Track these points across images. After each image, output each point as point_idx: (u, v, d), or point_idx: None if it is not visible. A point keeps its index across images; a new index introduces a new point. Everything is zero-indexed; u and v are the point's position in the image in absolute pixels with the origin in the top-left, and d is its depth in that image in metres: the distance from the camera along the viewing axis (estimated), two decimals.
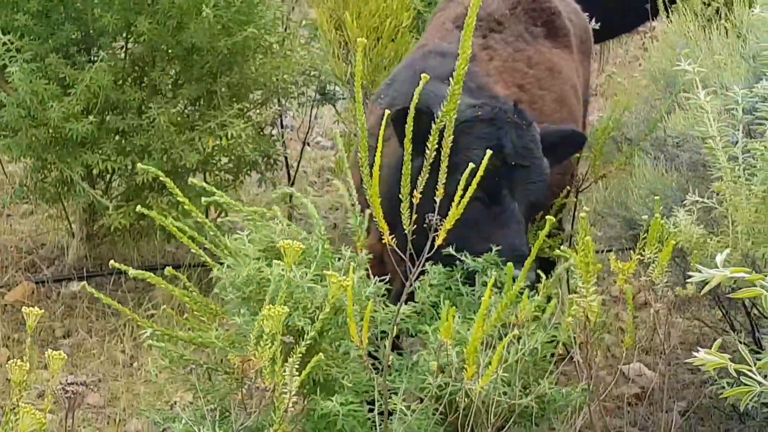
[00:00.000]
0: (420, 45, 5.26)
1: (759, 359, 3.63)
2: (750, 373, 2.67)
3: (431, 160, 3.62)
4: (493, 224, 4.25)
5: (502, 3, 5.30)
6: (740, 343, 3.17)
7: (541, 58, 5.22)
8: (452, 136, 3.69)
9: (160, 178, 4.22)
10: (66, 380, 3.32)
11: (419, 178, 3.61)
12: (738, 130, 3.84)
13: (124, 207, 6.22)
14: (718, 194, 3.93)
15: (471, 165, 3.68)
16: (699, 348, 2.99)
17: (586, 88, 5.81)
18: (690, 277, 3.87)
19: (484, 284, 4.08)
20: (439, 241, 3.63)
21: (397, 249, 3.66)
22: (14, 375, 3.03)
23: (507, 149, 4.31)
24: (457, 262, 4.16)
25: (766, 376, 2.66)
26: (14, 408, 3.05)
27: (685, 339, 5.95)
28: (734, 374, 2.70)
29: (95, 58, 6.17)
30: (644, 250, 3.95)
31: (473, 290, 4.10)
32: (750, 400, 2.83)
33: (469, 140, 4.29)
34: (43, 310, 3.22)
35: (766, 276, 2.53)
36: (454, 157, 3.89)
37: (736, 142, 3.87)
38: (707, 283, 2.71)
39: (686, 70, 3.90)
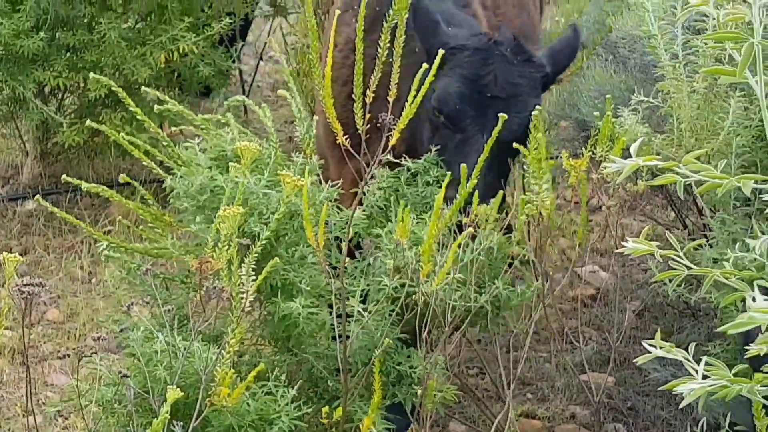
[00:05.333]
0: None
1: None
2: (678, 259, 2.73)
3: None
4: (456, 152, 4.23)
5: None
6: (666, 229, 3.23)
7: None
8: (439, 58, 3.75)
9: (114, 91, 4.20)
10: (21, 282, 3.32)
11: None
12: (677, 28, 3.87)
13: (77, 124, 6.19)
14: (662, 93, 3.96)
15: (424, 65, 3.70)
16: None
17: None
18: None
19: (427, 183, 4.11)
20: (393, 141, 3.65)
21: (351, 149, 3.68)
22: None
23: (484, 80, 4.23)
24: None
25: (699, 264, 2.73)
26: None
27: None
28: (660, 260, 2.77)
29: None
30: (595, 148, 3.99)
31: (417, 190, 4.12)
32: (678, 285, 2.91)
33: (450, 66, 4.26)
34: None
35: (679, 163, 2.58)
36: (438, 80, 3.91)
37: None
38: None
39: None
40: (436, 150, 4.16)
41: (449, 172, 3.89)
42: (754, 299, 2.36)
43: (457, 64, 4.24)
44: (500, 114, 3.86)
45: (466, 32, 4.35)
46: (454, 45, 4.26)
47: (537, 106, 4.11)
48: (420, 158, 4.18)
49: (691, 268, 2.72)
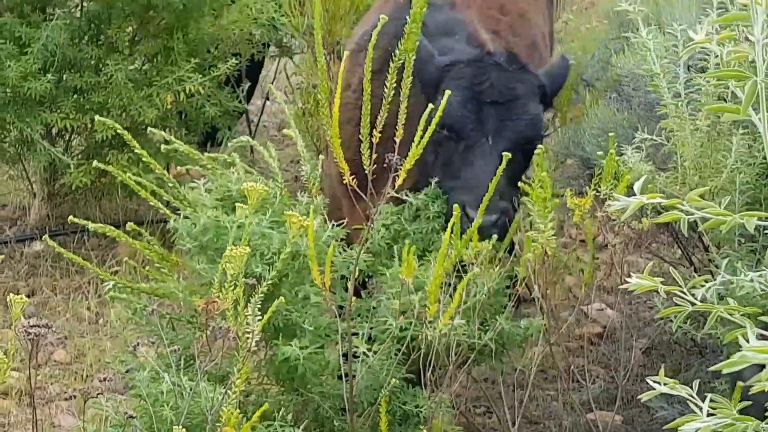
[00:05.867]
0: None
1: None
2: (682, 295, 2.74)
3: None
4: (461, 161, 4.26)
5: None
6: (671, 266, 3.23)
7: (512, 5, 5.24)
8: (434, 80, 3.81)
9: (120, 134, 4.23)
10: (28, 323, 3.33)
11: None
12: (679, 66, 3.88)
13: (84, 165, 6.22)
14: (666, 131, 3.98)
15: (430, 106, 3.72)
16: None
17: (551, 34, 5.84)
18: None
19: (428, 218, 4.12)
20: (399, 182, 3.66)
21: (357, 189, 3.70)
22: None
23: (481, 87, 4.29)
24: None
25: (704, 301, 2.72)
26: None
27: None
28: (665, 296, 2.77)
29: (51, 17, 6.15)
30: (600, 187, 3.99)
31: (419, 227, 4.13)
32: (684, 322, 2.92)
33: (446, 81, 4.30)
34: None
35: (683, 201, 2.59)
36: (435, 99, 3.95)
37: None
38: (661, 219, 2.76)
39: (627, 10, 3.94)
40: (436, 182, 4.18)
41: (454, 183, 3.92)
42: (747, 339, 2.36)
43: (454, 76, 4.28)
44: (504, 153, 3.88)
45: (462, 52, 4.40)
46: (450, 62, 4.30)
47: (539, 112, 4.15)
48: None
49: (695, 304, 2.72)
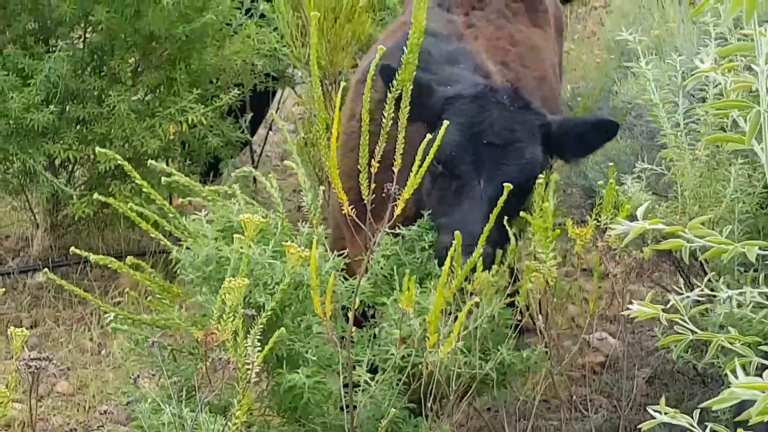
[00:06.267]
0: (402, 23, 5.12)
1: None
2: (683, 323, 2.75)
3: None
4: (453, 199, 4.25)
5: None
6: (671, 293, 3.23)
7: (522, 36, 5.21)
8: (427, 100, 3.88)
9: (121, 165, 4.25)
10: (29, 356, 3.33)
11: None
12: (679, 96, 3.90)
13: (87, 196, 6.22)
14: (666, 160, 3.99)
15: (428, 136, 3.73)
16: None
17: (560, 65, 5.83)
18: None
19: (423, 249, 4.12)
20: (398, 211, 3.67)
21: (357, 219, 3.70)
22: None
23: (480, 127, 4.25)
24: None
25: (706, 329, 2.73)
26: None
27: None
28: (666, 323, 2.77)
29: (53, 49, 6.18)
30: (600, 216, 4.00)
31: (415, 257, 4.12)
32: (685, 351, 2.92)
33: (447, 114, 4.28)
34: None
35: (684, 229, 2.60)
36: (436, 129, 3.95)
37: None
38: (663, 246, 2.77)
39: (628, 39, 3.95)
40: (428, 214, 4.18)
41: (453, 233, 3.88)
42: (736, 375, 2.36)
43: (454, 112, 4.26)
44: (506, 184, 3.87)
45: (464, 84, 4.39)
46: (452, 95, 4.29)
47: (537, 155, 4.12)
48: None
49: (696, 332, 2.72)
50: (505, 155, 4.18)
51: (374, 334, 3.96)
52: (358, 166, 3.94)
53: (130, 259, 4.14)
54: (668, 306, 2.86)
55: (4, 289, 3.15)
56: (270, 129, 8.17)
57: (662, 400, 2.70)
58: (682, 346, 2.79)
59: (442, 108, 4.28)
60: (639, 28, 4.07)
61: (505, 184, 3.86)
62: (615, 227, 2.75)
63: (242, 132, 6.87)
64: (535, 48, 5.22)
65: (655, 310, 2.71)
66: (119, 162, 4.27)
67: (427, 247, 4.13)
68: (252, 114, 7.14)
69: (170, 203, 4.73)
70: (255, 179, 6.90)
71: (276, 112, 7.76)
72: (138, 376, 3.62)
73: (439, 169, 4.20)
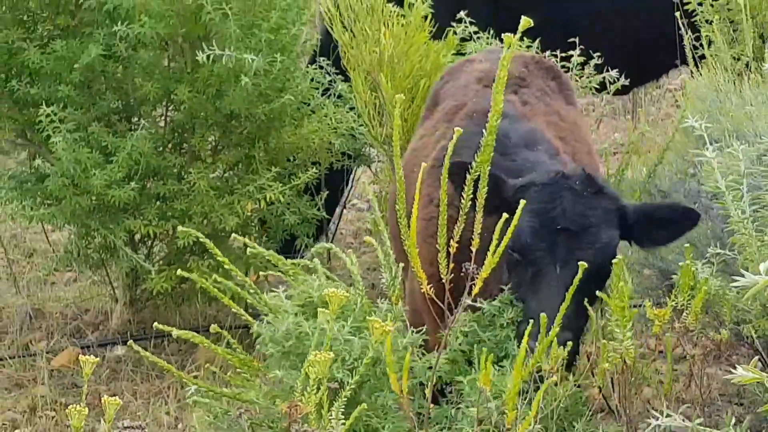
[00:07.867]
0: (452, 110, 5.13)
1: None
2: None
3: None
4: (529, 285, 4.25)
5: (513, 62, 5.30)
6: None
7: (566, 113, 5.24)
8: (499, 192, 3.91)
9: (201, 241, 4.33)
10: (123, 424, 3.40)
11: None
12: (743, 184, 3.89)
13: (166, 271, 6.32)
14: (737, 245, 3.98)
15: (504, 215, 3.77)
16: (738, 398, 3.03)
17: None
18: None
19: (502, 326, 4.13)
20: (476, 290, 3.70)
21: (435, 298, 3.74)
22: (73, 420, 3.13)
23: (554, 213, 4.25)
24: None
25: None
26: None
27: (725, 391, 5.94)
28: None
29: (136, 126, 6.31)
30: (678, 298, 4.00)
31: (494, 334, 4.13)
32: None
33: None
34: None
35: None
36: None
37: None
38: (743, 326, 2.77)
39: (694, 126, 3.97)
40: (509, 289, 4.20)
41: (530, 321, 3.90)
42: None
43: (527, 200, 4.27)
44: (580, 262, 3.88)
45: (542, 167, 4.42)
46: (524, 183, 4.31)
47: (613, 239, 4.12)
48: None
49: None
50: (581, 241, 4.18)
51: (452, 413, 3.97)
52: (438, 254, 3.95)
53: (213, 327, 4.20)
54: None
55: (97, 359, 3.22)
56: (344, 207, 8.25)
57: None
58: None
59: (515, 197, 4.26)
60: (717, 110, 4.08)
61: (580, 263, 3.88)
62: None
63: (318, 210, 6.95)
64: (576, 123, 5.24)
65: (759, 375, 2.68)
66: (199, 238, 4.35)
67: (506, 324, 4.14)
68: (327, 192, 7.22)
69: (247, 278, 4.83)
70: (330, 256, 6.98)
71: (351, 190, 7.84)
72: None
73: (515, 257, 4.22)
